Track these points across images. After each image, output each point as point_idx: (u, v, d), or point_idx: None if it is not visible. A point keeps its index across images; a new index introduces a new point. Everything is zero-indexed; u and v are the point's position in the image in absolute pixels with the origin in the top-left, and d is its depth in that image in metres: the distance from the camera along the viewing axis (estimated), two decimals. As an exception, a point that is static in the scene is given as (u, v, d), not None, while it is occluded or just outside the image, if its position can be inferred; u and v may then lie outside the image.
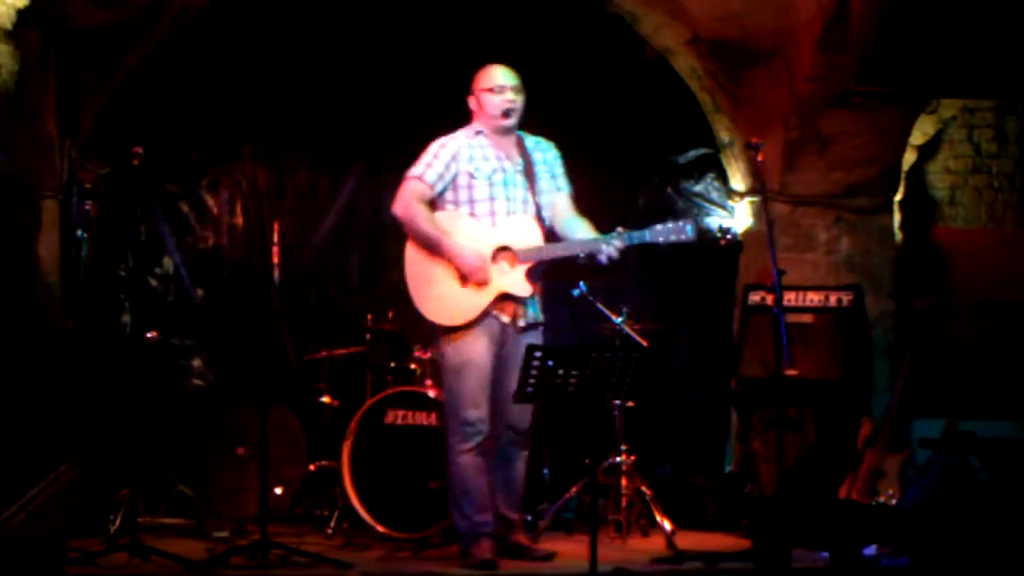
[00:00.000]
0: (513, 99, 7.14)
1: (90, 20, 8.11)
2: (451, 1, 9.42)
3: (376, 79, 9.52)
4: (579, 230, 7.14)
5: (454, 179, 7.16)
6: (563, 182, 7.32)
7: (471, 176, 7.14)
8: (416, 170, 7.17)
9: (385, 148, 9.67)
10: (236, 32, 9.23)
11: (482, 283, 7.00)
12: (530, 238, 7.04)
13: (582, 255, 7.07)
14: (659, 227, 6.88)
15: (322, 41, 9.41)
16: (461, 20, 9.43)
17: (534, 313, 7.17)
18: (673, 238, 6.87)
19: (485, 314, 7.03)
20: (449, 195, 7.18)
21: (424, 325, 7.25)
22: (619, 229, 7.00)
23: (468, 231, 7.09)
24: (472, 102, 7.27)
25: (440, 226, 7.10)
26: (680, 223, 6.87)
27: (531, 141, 7.33)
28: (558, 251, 7.06)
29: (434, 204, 7.19)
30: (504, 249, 7.04)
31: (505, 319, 7.07)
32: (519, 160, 7.21)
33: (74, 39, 8.14)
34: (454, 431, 7.12)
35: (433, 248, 7.06)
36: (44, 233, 8.02)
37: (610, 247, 6.91)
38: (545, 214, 7.19)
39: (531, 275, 7.03)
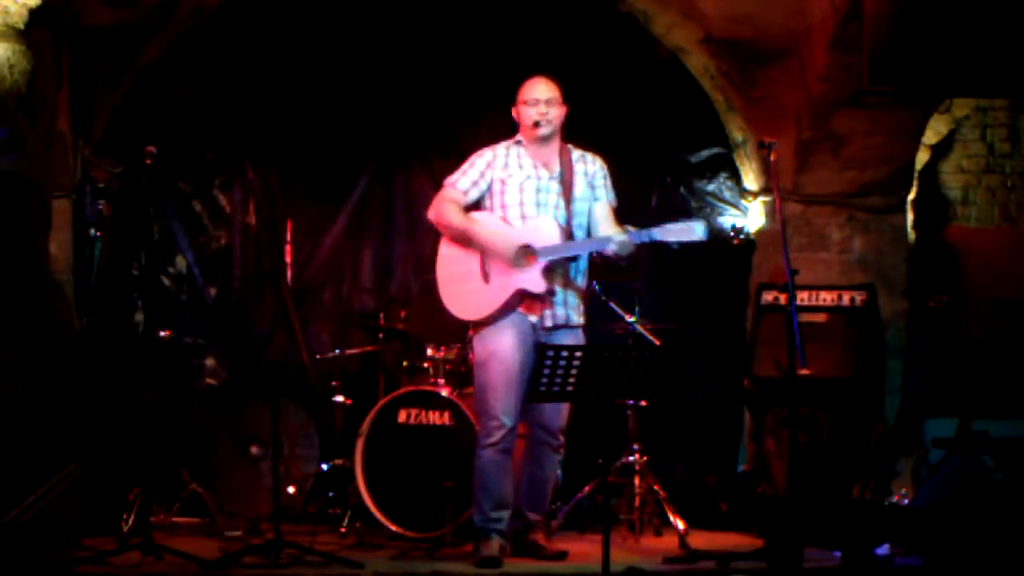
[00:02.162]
0: (544, 111, 7.23)
1: (103, 20, 8.13)
2: (462, 2, 9.42)
3: (388, 78, 9.54)
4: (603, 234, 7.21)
5: (490, 186, 7.32)
6: (603, 192, 7.38)
7: (503, 183, 7.28)
8: (451, 177, 7.39)
9: (398, 147, 9.70)
10: (249, 32, 9.25)
11: (510, 262, 7.11)
12: (548, 237, 7.11)
13: (593, 252, 7.16)
14: (669, 226, 6.88)
15: (335, 39, 9.43)
16: (474, 21, 9.44)
17: (565, 313, 7.21)
18: (684, 238, 6.86)
19: (506, 309, 7.13)
20: (486, 201, 7.34)
21: (441, 324, 7.50)
22: (628, 227, 7.04)
23: (494, 230, 7.22)
24: (514, 113, 7.37)
25: (472, 223, 7.26)
26: (690, 223, 6.86)
27: (577, 153, 7.42)
28: (571, 249, 7.14)
29: (476, 210, 7.36)
30: (526, 247, 7.10)
31: (533, 318, 7.14)
32: (557, 169, 7.30)
33: (87, 39, 8.16)
34: (480, 425, 7.27)
35: (465, 239, 7.25)
36: (57, 232, 8.04)
37: (615, 243, 6.93)
38: (578, 221, 7.27)
39: (547, 272, 7.06)
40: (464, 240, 7.25)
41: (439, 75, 9.53)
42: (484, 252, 7.20)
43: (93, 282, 7.75)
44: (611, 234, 7.08)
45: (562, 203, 7.25)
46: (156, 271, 9.32)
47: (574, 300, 7.27)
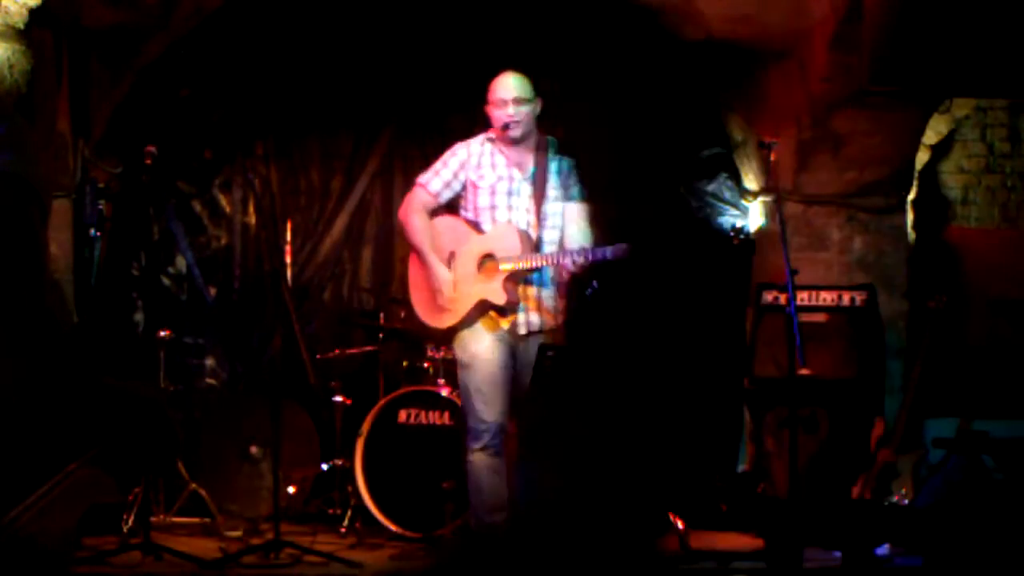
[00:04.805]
0: (513, 113, 7.06)
1: (103, 20, 8.12)
2: (461, 2, 9.42)
3: (388, 77, 9.54)
4: (571, 240, 7.14)
5: (464, 185, 7.21)
6: (575, 191, 7.24)
7: (475, 185, 7.16)
8: (423, 178, 7.27)
9: (398, 148, 9.70)
10: (249, 32, 9.25)
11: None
12: (510, 247, 7.01)
13: (551, 266, 7.04)
14: (623, 246, 6.70)
15: (335, 41, 9.43)
16: (473, 19, 9.44)
17: (539, 319, 7.15)
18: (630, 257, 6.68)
19: (471, 320, 7.07)
20: (462, 201, 7.24)
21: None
22: (584, 245, 6.99)
23: (458, 238, 7.16)
24: (486, 111, 7.23)
25: (430, 236, 7.17)
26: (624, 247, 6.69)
27: (555, 149, 7.28)
28: (530, 262, 6.99)
29: (455, 208, 7.28)
30: (489, 257, 7.06)
31: (505, 325, 7.09)
32: (530, 168, 7.20)
33: (87, 39, 8.16)
34: (467, 430, 7.16)
35: (420, 254, 7.18)
36: (57, 232, 8.04)
37: (569, 261, 6.85)
38: (552, 222, 7.15)
39: (509, 283, 7.00)
40: (429, 246, 7.19)
41: (438, 73, 9.53)
42: (450, 259, 7.12)
43: (93, 282, 7.75)
44: (568, 250, 6.97)
45: (533, 206, 7.15)
46: (156, 271, 9.33)
47: (547, 304, 7.16)
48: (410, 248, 7.30)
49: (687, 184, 9.97)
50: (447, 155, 7.28)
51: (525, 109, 7.10)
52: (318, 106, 9.54)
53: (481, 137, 7.29)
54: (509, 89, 7.10)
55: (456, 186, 7.21)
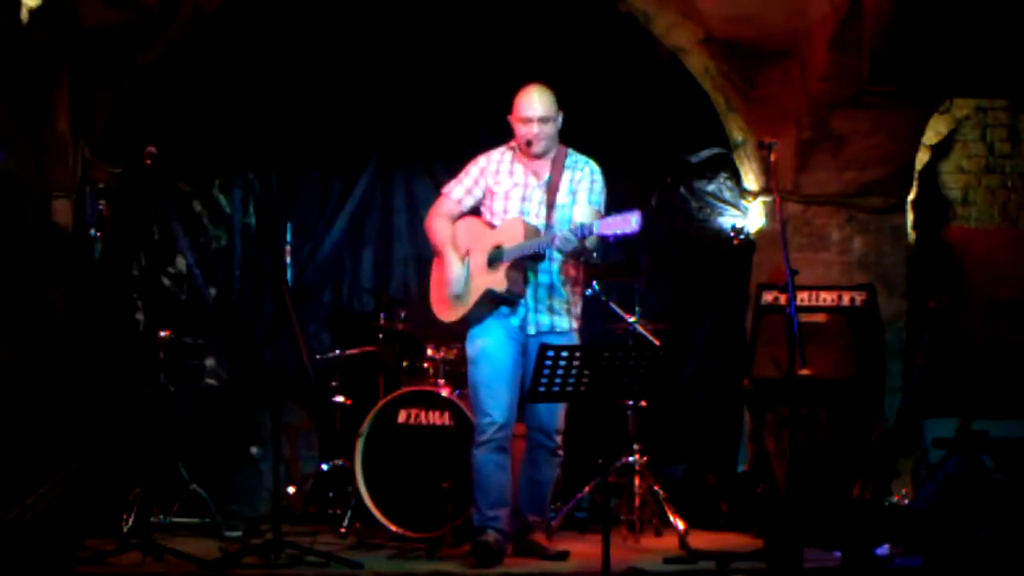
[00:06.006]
0: (537, 131, 7.24)
1: (102, 20, 8.11)
2: (462, 2, 9.41)
3: (388, 78, 9.53)
4: None
5: (484, 193, 7.46)
6: (583, 197, 7.35)
7: (491, 191, 7.41)
8: (448, 186, 7.60)
9: (397, 149, 9.69)
10: (249, 32, 9.24)
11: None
12: (514, 236, 7.19)
13: (542, 248, 7.13)
14: (608, 219, 6.79)
15: (335, 42, 9.41)
16: (473, 21, 9.43)
17: (549, 320, 7.22)
18: (619, 231, 6.71)
19: (480, 311, 7.26)
20: (482, 206, 7.50)
21: (441, 324, 7.53)
22: (573, 223, 7.03)
23: (474, 236, 7.39)
24: (510, 120, 7.39)
25: (451, 236, 7.43)
26: (627, 215, 6.70)
27: (572, 159, 7.45)
28: (525, 248, 7.13)
29: (477, 212, 7.53)
30: (496, 248, 7.22)
31: (514, 321, 7.18)
32: (546, 175, 7.34)
33: (87, 39, 8.14)
34: (475, 424, 7.33)
35: (440, 255, 7.48)
36: (57, 232, 8.03)
37: (559, 238, 6.93)
38: (562, 228, 7.21)
39: (512, 273, 7.12)
40: (440, 256, 7.47)
41: (439, 75, 9.53)
42: (466, 256, 7.34)
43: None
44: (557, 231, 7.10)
45: (544, 211, 7.28)
46: (156, 271, 9.31)
47: (559, 306, 7.28)
48: (433, 251, 7.58)
49: (687, 184, 9.96)
50: (469, 164, 7.56)
51: (548, 128, 7.29)
52: (318, 106, 9.51)
53: (503, 147, 7.52)
54: (534, 108, 7.28)
55: (477, 192, 7.48)
